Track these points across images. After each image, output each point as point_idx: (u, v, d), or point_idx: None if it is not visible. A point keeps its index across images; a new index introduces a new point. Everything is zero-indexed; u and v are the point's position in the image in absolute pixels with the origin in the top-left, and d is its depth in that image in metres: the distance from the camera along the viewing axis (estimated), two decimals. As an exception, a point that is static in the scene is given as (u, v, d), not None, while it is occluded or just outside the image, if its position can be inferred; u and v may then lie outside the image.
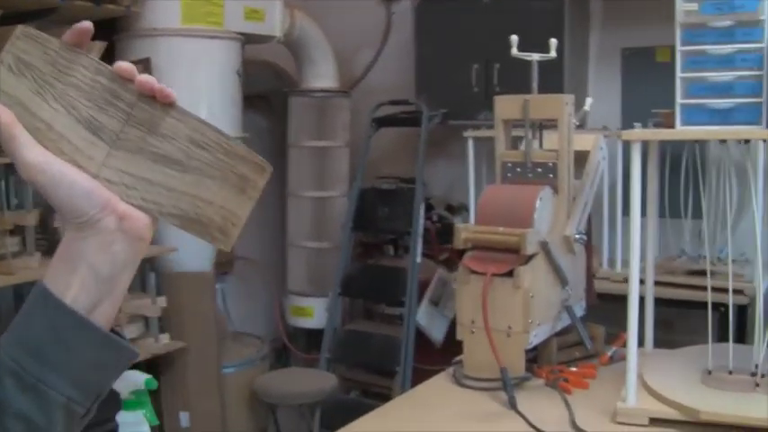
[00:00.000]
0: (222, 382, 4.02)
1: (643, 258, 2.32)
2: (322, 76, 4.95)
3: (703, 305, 3.78)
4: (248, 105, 4.40)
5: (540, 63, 2.62)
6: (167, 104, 0.85)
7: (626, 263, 4.12)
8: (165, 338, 3.76)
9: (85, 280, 0.82)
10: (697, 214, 4.17)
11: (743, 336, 3.46)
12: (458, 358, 2.56)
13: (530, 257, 2.35)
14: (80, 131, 0.84)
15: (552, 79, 2.64)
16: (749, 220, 3.83)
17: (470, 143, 4.43)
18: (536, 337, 2.40)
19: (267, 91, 5.22)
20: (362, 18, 5.45)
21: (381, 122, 4.77)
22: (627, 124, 4.57)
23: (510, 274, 2.35)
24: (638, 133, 2.10)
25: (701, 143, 3.89)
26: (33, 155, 0.81)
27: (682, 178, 4.10)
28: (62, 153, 0.83)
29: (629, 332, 2.15)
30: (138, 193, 0.85)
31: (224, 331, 4.34)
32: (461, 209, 4.91)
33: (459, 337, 2.47)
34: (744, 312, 3.80)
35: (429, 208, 4.72)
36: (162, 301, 3.70)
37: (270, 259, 5.34)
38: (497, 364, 2.28)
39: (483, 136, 4.44)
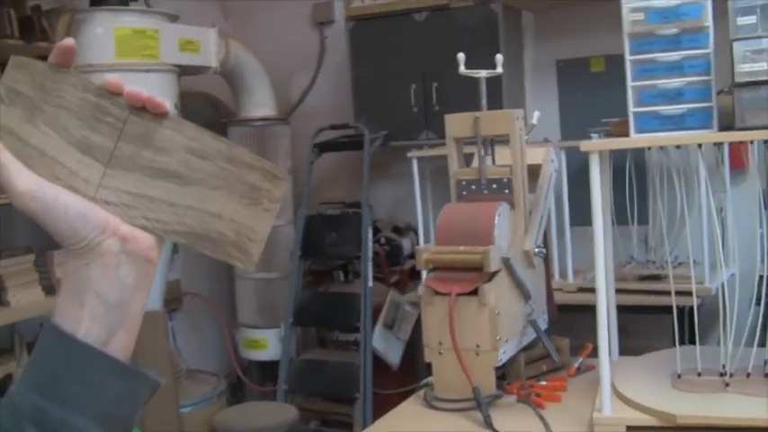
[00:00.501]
0: (181, 421, 3.93)
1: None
2: (260, 104, 4.91)
3: (655, 309, 3.85)
4: (187, 138, 4.34)
5: (476, 81, 2.62)
6: (160, 115, 0.81)
7: (578, 272, 4.19)
8: (118, 381, 3.66)
9: (95, 310, 0.78)
10: (643, 220, 4.22)
11: (693, 335, 3.51)
12: (425, 380, 2.54)
13: (493, 274, 2.34)
14: (73, 153, 0.80)
15: (491, 94, 2.64)
16: (693, 223, 3.90)
17: (415, 163, 4.42)
18: (504, 353, 2.39)
19: (205, 122, 5.13)
20: (296, 43, 5.43)
21: (323, 148, 4.74)
22: (566, 135, 4.62)
23: (474, 292, 2.33)
24: (596, 144, 2.11)
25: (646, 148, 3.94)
26: (23, 182, 0.78)
27: (626, 185, 4.14)
28: (57, 179, 0.79)
29: (599, 342, 2.15)
30: (139, 212, 0.81)
31: (178, 370, 4.26)
32: (408, 230, 4.90)
33: (427, 359, 2.44)
34: (696, 313, 3.85)
35: (376, 231, 4.70)
36: (114, 344, 3.60)
37: (218, 293, 5.26)
38: (469, 383, 2.26)
39: (427, 155, 4.44)
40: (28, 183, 0.78)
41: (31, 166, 0.79)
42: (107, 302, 0.78)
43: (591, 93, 4.68)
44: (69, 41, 0.81)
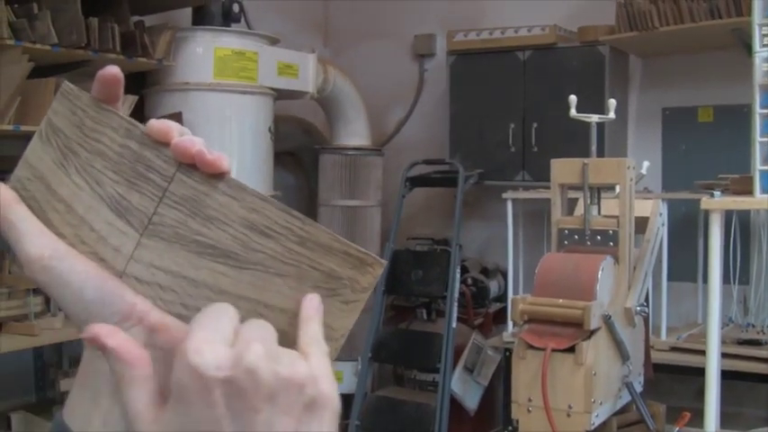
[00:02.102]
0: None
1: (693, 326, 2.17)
2: (354, 133, 4.84)
3: (751, 376, 3.65)
4: (277, 162, 4.29)
5: (577, 123, 2.49)
6: (215, 176, 0.61)
7: (671, 330, 4.00)
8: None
9: (108, 415, 0.62)
10: (743, 280, 4.03)
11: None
12: (511, 437, 2.40)
13: (592, 332, 2.20)
14: (105, 214, 0.63)
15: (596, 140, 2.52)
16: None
17: (509, 205, 4.30)
18: (597, 417, 2.24)
19: (296, 148, 5.12)
20: (395, 74, 5.37)
21: (416, 182, 4.64)
22: (667, 186, 4.45)
23: (570, 349, 2.19)
24: (717, 202, 1.96)
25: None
26: (36, 247, 0.61)
27: (731, 242, 3.95)
28: (83, 243, 0.63)
29: (706, 413, 1.99)
30: (176, 297, 0.62)
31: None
32: (497, 272, 4.76)
33: (514, 415, 2.31)
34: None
35: (464, 270, 4.57)
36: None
37: (297, 321, 5.19)
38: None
39: (521, 197, 4.32)
40: (42, 247, 0.61)
41: (55, 223, 0.63)
42: (129, 410, 0.58)
43: (697, 144, 4.51)
44: (113, 70, 0.63)
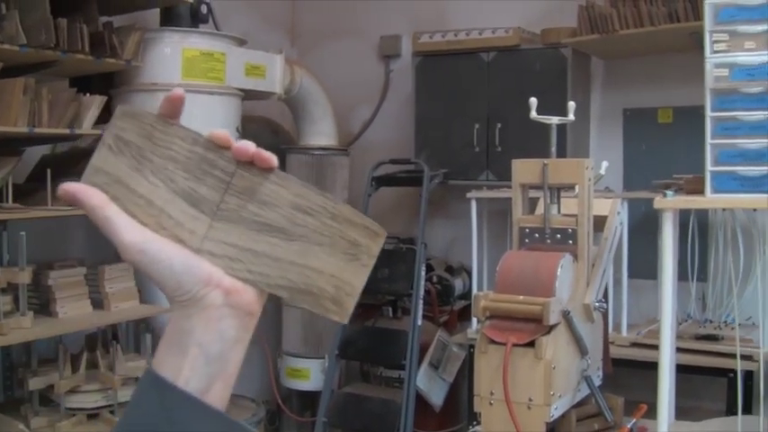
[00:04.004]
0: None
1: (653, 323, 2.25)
2: (321, 133, 4.89)
3: (708, 371, 3.74)
4: (245, 162, 4.32)
5: (540, 124, 2.56)
6: (266, 169, 0.80)
7: (632, 326, 4.09)
8: (160, 402, 3.63)
9: (196, 361, 0.78)
10: (702, 277, 4.13)
11: (749, 402, 3.39)
12: (473, 429, 2.47)
13: (551, 327, 2.27)
14: (180, 204, 0.80)
15: (556, 141, 2.59)
16: (755, 284, 3.80)
17: (473, 204, 4.37)
18: (557, 409, 2.31)
19: (264, 147, 5.14)
20: (361, 74, 5.43)
21: (381, 181, 4.70)
22: (628, 186, 4.54)
23: (531, 344, 2.26)
24: (670, 202, 2.04)
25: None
26: (131, 235, 0.78)
27: (689, 242, 4.04)
28: (162, 228, 0.80)
29: (659, 405, 2.07)
30: (243, 266, 0.80)
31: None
32: (461, 270, 4.83)
33: (476, 408, 2.37)
34: (751, 378, 3.73)
35: (429, 269, 4.64)
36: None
37: (264, 319, 5.20)
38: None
39: (486, 197, 4.39)
40: (135, 235, 0.78)
41: (138, 215, 0.80)
42: (208, 354, 0.79)
43: (657, 144, 4.60)
44: (179, 92, 0.82)
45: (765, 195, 2.03)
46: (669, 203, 2.02)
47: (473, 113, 4.66)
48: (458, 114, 4.72)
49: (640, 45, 4.37)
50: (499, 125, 4.57)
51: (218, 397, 0.79)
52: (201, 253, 0.80)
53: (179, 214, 0.80)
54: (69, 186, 0.79)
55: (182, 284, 0.78)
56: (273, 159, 0.81)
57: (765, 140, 2.03)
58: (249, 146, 0.80)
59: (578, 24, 4.33)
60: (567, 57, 4.47)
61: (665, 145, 4.52)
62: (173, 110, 0.81)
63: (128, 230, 0.78)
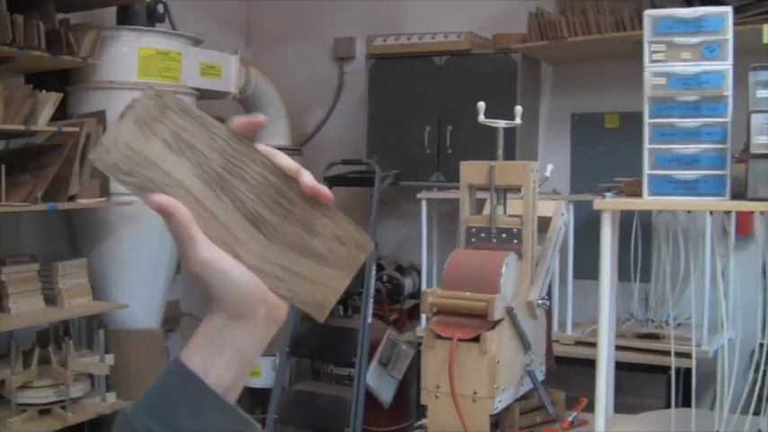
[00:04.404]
0: (169, 442, 3.92)
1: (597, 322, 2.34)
2: (274, 133, 4.95)
3: (651, 368, 3.86)
4: (199, 161, 4.36)
5: (490, 127, 2.64)
6: (324, 205, 0.87)
7: (577, 325, 4.20)
8: (111, 397, 3.67)
9: (230, 362, 0.85)
10: (645, 278, 4.24)
11: (688, 397, 3.51)
12: (420, 422, 2.54)
13: (496, 323, 2.35)
14: (243, 224, 0.86)
15: (505, 143, 2.68)
16: (695, 285, 3.92)
17: (424, 205, 4.45)
18: (500, 402, 2.39)
19: (218, 147, 5.18)
20: (315, 76, 5.48)
21: (333, 181, 4.77)
22: (576, 188, 4.65)
23: (476, 339, 2.34)
24: (609, 203, 2.13)
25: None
26: (208, 253, 0.84)
27: (632, 243, 4.16)
28: (223, 242, 0.85)
29: (597, 399, 2.16)
30: (285, 285, 0.88)
31: (171, 390, 4.25)
32: (411, 269, 4.91)
33: (423, 401, 2.45)
34: (689, 375, 3.86)
35: (379, 268, 4.71)
36: (110, 359, 3.62)
37: (217, 316, 5.27)
38: (464, 429, 2.26)
39: (436, 198, 4.47)
40: (212, 253, 0.84)
41: (203, 227, 0.84)
42: (242, 358, 0.86)
43: (603, 148, 4.72)
44: (261, 118, 0.89)
45: (699, 198, 2.13)
46: (608, 205, 2.11)
47: (425, 116, 4.75)
48: (410, 116, 4.80)
49: (588, 52, 4.49)
50: (450, 128, 4.66)
51: (234, 393, 0.86)
52: (253, 270, 0.86)
53: (241, 233, 0.86)
54: (161, 199, 0.83)
55: (242, 301, 0.85)
56: (330, 196, 0.88)
57: (699, 146, 2.13)
58: (315, 183, 0.86)
59: (528, 31, 4.44)
60: (518, 62, 4.58)
61: (611, 149, 4.63)
62: (248, 131, 0.87)
63: (205, 248, 0.84)
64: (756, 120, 2.04)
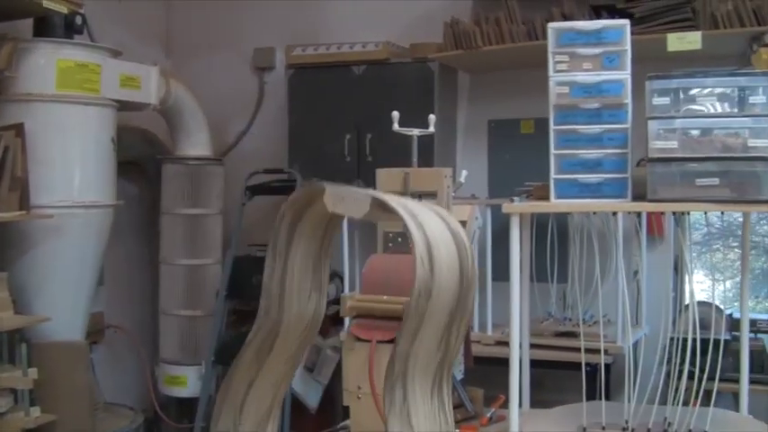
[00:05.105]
0: (96, 454, 3.93)
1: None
2: (196, 143, 4.97)
3: (570, 365, 3.98)
4: (120, 172, 4.37)
5: (409, 135, 2.73)
6: None
7: (496, 326, 4.32)
8: (35, 412, 3.64)
9: None
10: (561, 279, 4.37)
11: (608, 392, 3.64)
12: (343, 423, 2.61)
13: (413, 324, 2.43)
14: None
15: (423, 150, 2.77)
16: (610, 284, 4.06)
17: (345, 211, 4.51)
18: (420, 401, 2.47)
19: (139, 158, 5.20)
20: (236, 86, 5.52)
21: (255, 191, 4.81)
22: (494, 193, 4.77)
23: (394, 340, 2.42)
24: (517, 207, 2.24)
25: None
26: None
27: (548, 245, 4.28)
28: None
29: (510, 393, 2.26)
30: None
31: (96, 402, 4.25)
32: (334, 276, 4.97)
33: (345, 402, 2.52)
34: (608, 370, 3.99)
35: (303, 275, 4.75)
36: (33, 373, 3.60)
37: (141, 327, 5.27)
38: (384, 428, 2.33)
39: (357, 204, 4.53)
40: None
41: None
42: None
43: (520, 153, 4.84)
44: None
45: (602, 200, 2.25)
46: (515, 208, 2.22)
47: (344, 125, 4.83)
48: (330, 125, 4.87)
49: (503, 60, 4.62)
50: (369, 136, 4.74)
51: None
52: None
53: None
54: None
55: None
56: None
57: (601, 151, 2.25)
58: None
59: (444, 40, 4.55)
60: (435, 71, 4.68)
61: (527, 154, 4.73)
62: None
63: None
64: (653, 126, 2.16)
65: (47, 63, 3.85)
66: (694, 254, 4.99)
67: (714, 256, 4.28)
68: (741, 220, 2.66)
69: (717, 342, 2.36)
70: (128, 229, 5.12)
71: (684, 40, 3.75)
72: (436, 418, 0.91)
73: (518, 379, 2.26)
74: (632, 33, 2.32)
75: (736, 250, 4.45)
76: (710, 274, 2.55)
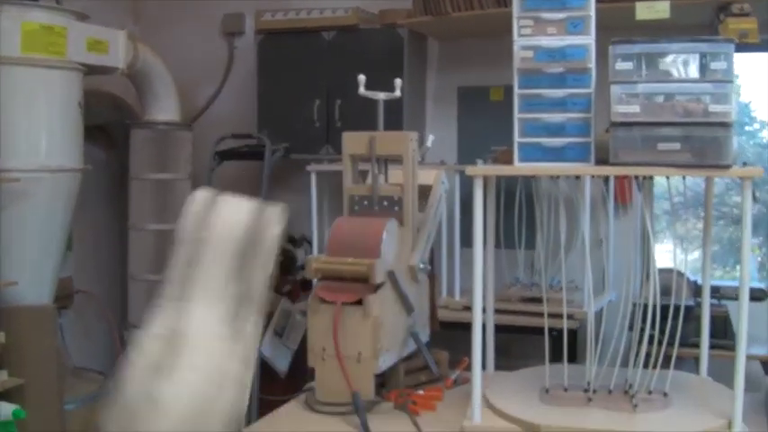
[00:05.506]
0: (64, 418, 3.93)
1: (483, 288, 2.47)
2: (164, 108, 4.95)
3: (537, 330, 4.03)
4: (87, 137, 4.33)
5: (377, 101, 2.74)
6: None
7: (465, 291, 4.35)
8: (3, 375, 3.65)
9: None
10: (529, 245, 4.41)
11: (574, 357, 3.69)
12: (309, 385, 2.64)
13: (378, 286, 2.46)
14: None
15: (392, 115, 2.79)
16: (578, 251, 4.10)
17: (313, 177, 4.53)
18: (384, 362, 2.50)
19: (107, 122, 5.17)
20: (205, 51, 5.50)
21: (224, 156, 4.81)
22: (463, 159, 4.79)
23: (359, 302, 2.45)
24: (480, 169, 2.25)
25: (535, 178, 4.12)
26: None
27: (516, 212, 4.32)
28: None
29: (473, 354, 2.29)
30: None
31: (65, 367, 4.25)
32: (303, 241, 4.99)
33: (310, 364, 2.54)
34: (574, 335, 4.05)
35: (272, 240, 4.77)
36: (1, 337, 3.60)
37: (110, 292, 5.27)
38: (349, 389, 2.37)
39: (325, 170, 4.55)
40: None
41: None
42: None
43: (489, 120, 4.86)
44: None
45: (564, 164, 2.27)
46: (479, 171, 2.23)
47: (314, 90, 4.83)
48: (299, 91, 4.87)
49: (472, 27, 4.62)
50: (339, 102, 4.74)
51: None
52: None
53: None
54: None
55: None
56: None
57: (564, 116, 2.27)
58: None
59: (413, 6, 4.55)
60: (404, 37, 4.69)
61: (496, 121, 4.72)
62: None
63: None
64: (615, 90, 2.18)
65: (11, 26, 3.81)
66: (663, 223, 5.07)
67: (684, 225, 4.34)
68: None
69: (679, 308, 2.40)
70: (96, 194, 5.10)
71: (653, 9, 3.78)
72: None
73: (481, 340, 2.29)
74: (601, 1, 2.33)
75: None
76: (677, 242, 2.58)
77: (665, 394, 2.36)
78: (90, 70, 4.23)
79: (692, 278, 3.95)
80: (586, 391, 2.38)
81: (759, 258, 5.30)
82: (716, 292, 4.17)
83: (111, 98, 5.16)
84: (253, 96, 5.05)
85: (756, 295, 4.24)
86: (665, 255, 4.40)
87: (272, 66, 4.97)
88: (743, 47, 3.90)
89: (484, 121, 4.90)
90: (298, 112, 4.86)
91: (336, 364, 2.41)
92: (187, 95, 5.23)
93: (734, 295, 3.86)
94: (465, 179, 4.24)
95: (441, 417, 2.44)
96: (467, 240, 4.37)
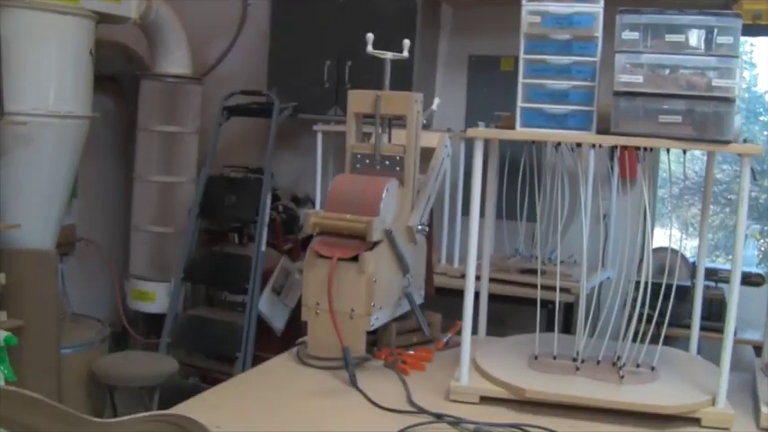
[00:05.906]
0: (60, 362, 3.97)
1: (480, 256, 2.48)
2: (175, 61, 4.95)
3: (534, 302, 4.05)
4: (97, 86, 4.35)
5: (392, 63, 2.74)
6: None
7: (463, 259, 4.36)
8: (2, 316, 3.69)
9: None
10: (531, 218, 4.42)
11: (568, 331, 3.71)
12: (301, 339, 2.66)
13: (374, 244, 2.47)
14: None
15: (402, 79, 2.79)
16: (578, 225, 4.11)
17: (319, 137, 4.54)
18: (377, 320, 2.52)
19: (117, 73, 5.17)
20: (219, 7, 5.48)
21: (232, 111, 4.81)
22: (471, 126, 4.78)
23: (355, 258, 2.46)
24: (481, 131, 2.26)
25: (539, 149, 4.13)
26: None
27: (519, 184, 4.32)
28: None
29: (464, 317, 2.30)
30: None
31: (63, 312, 4.29)
32: (307, 200, 5.01)
33: (303, 317, 2.56)
34: (570, 309, 4.07)
35: (275, 198, 4.80)
36: (2, 278, 3.64)
37: (112, 242, 5.30)
38: (340, 344, 2.39)
39: (332, 130, 4.56)
40: None
41: None
42: None
43: (498, 90, 4.85)
44: None
45: (566, 131, 2.27)
46: (479, 133, 2.24)
47: (325, 51, 4.82)
48: (310, 51, 4.86)
49: (486, -4, 4.61)
50: (349, 63, 4.74)
51: None
52: None
53: None
54: None
55: None
56: None
57: (568, 83, 2.27)
58: None
59: (428, -29, 4.53)
60: (418, 2, 4.67)
61: (506, 90, 4.70)
62: None
63: None
64: (620, 59, 2.17)
65: (26, -30, 3.82)
66: (669, 207, 5.06)
67: (688, 210, 4.34)
68: (719, 175, 2.69)
69: (675, 287, 2.41)
70: (103, 144, 5.11)
71: (666, -16, 3.75)
72: None
73: (472, 302, 2.30)
74: (615, -27, 2.33)
75: (712, 206, 4.50)
76: (682, 224, 2.58)
77: (653, 368, 2.38)
78: (102, 18, 4.23)
79: (692, 260, 3.96)
80: (575, 360, 2.39)
81: (762, 248, 5.30)
82: (713, 274, 4.18)
83: (123, 48, 5.16)
84: (264, 54, 5.05)
85: (755, 280, 4.25)
86: (671, 238, 4.41)
87: (285, 24, 4.96)
88: (762, 31, 3.90)
89: (493, 90, 4.90)
90: (308, 71, 4.85)
91: (329, 319, 2.43)
92: (199, 50, 5.23)
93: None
94: (470, 147, 4.24)
95: (429, 377, 2.46)
96: (468, 209, 4.41)
